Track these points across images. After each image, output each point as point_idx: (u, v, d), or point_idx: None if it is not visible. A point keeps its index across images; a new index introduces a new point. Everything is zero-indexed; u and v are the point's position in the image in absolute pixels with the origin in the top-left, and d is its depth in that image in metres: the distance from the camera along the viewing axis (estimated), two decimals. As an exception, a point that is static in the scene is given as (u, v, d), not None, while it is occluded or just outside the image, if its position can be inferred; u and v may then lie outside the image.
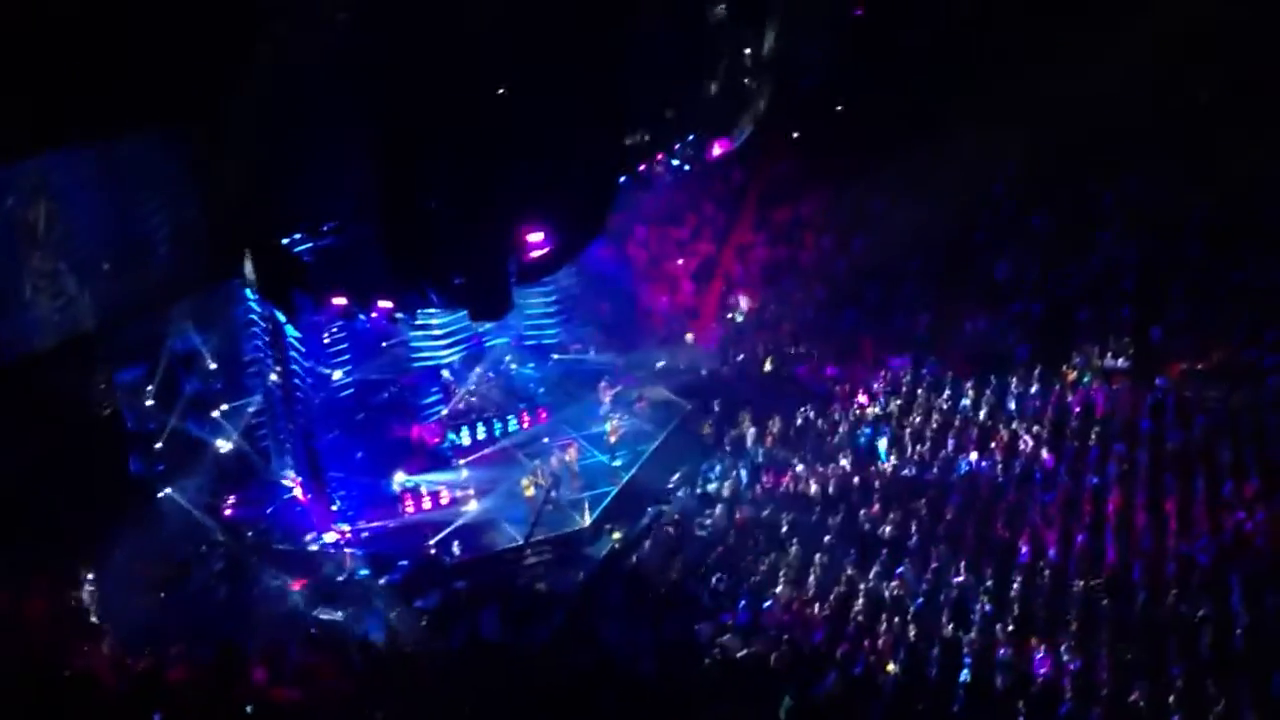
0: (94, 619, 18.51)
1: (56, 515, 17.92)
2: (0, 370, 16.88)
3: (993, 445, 23.11)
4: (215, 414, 24.29)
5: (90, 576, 19.07)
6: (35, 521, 16.96)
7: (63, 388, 19.19)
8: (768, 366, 27.79)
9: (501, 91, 21.96)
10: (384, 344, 25.36)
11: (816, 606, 19.29)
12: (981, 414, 24.31)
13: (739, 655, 18.19)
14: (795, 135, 33.10)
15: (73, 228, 18.34)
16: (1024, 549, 20.03)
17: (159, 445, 22.90)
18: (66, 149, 17.55)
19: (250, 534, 22.94)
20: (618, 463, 24.96)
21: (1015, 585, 19.16)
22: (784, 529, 21.59)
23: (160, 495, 22.51)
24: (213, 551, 22.02)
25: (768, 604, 19.52)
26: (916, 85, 30.34)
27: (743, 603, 19.55)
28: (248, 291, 23.07)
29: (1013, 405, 24.39)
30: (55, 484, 18.10)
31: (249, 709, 14.73)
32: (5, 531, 16.66)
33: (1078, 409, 23.90)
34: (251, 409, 24.80)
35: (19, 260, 17.19)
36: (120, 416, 21.76)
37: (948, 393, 25.20)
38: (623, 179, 27.30)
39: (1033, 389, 24.74)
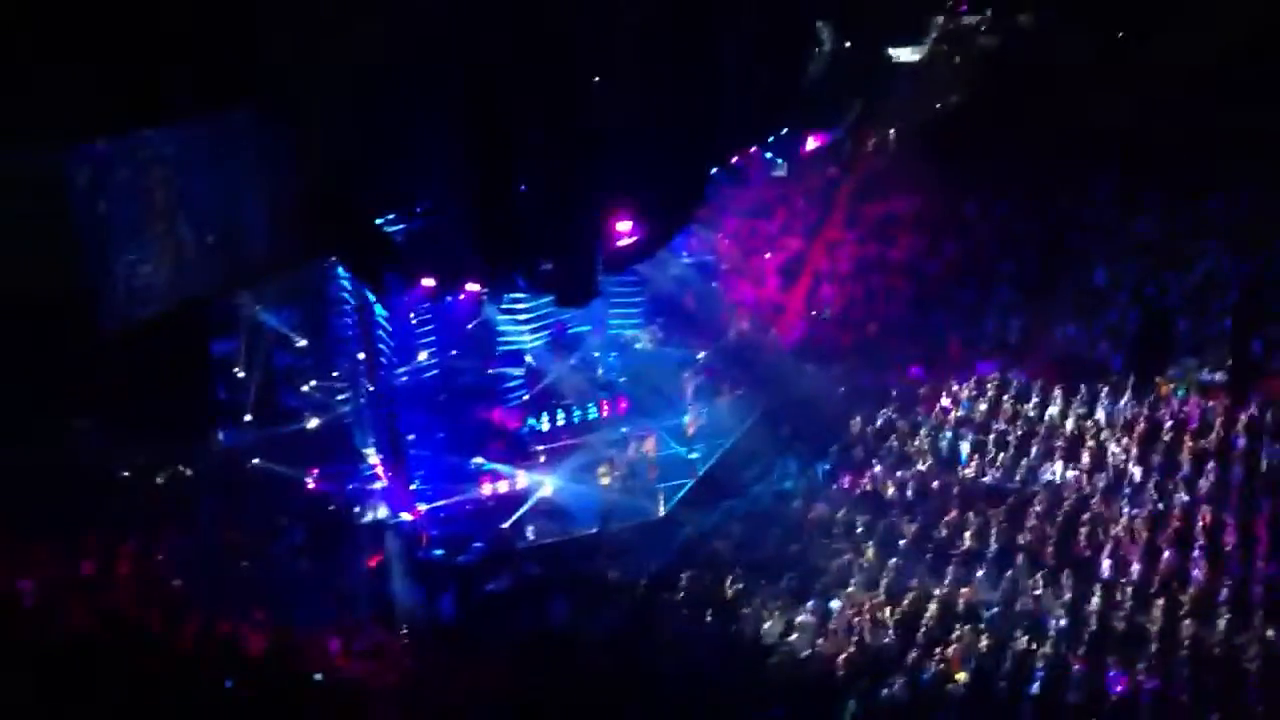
0: (177, 584, 19.05)
1: (148, 481, 18.52)
2: (104, 338, 17.43)
3: (1079, 456, 22.58)
4: (304, 389, 24.88)
5: (176, 543, 19.64)
6: (126, 486, 17.51)
7: (161, 357, 19.76)
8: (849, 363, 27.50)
9: (597, 79, 22.09)
10: (469, 327, 25.61)
11: (887, 610, 19.08)
12: (1069, 423, 23.76)
13: (804, 655, 18.11)
14: (892, 131, 32.65)
15: (179, 201, 18.86)
16: (1106, 563, 19.57)
17: (248, 417, 23.50)
18: (174, 123, 18.02)
19: (331, 508, 23.41)
20: (695, 455, 24.95)
21: (1094, 600, 18.71)
22: (858, 530, 21.39)
23: (248, 466, 23.12)
24: (295, 524, 22.51)
25: (837, 604, 19.38)
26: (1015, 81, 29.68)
27: (811, 602, 19.43)
28: (339, 270, 23.53)
29: (1102, 415, 23.81)
30: (148, 451, 18.72)
31: (318, 677, 15.05)
32: (97, 496, 17.25)
33: (1170, 422, 23.22)
34: (338, 386, 25.32)
35: (130, 231, 17.72)
36: (213, 387, 22.42)
37: (1035, 399, 24.68)
38: (714, 170, 27.27)
39: (1124, 400, 24.10)
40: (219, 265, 20.76)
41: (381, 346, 23.55)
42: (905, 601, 19.16)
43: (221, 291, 21.40)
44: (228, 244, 20.24)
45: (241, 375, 23.52)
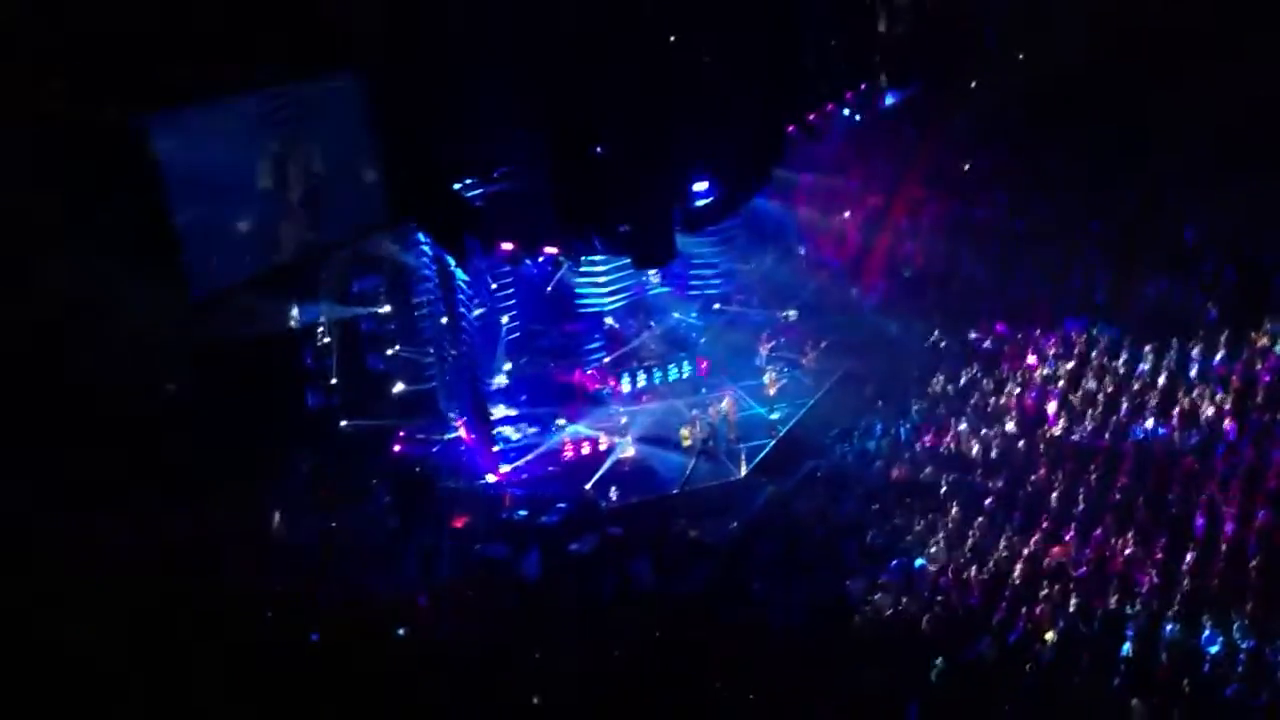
0: (269, 541, 19.54)
1: (240, 441, 18.92)
2: (197, 302, 17.85)
3: (1172, 412, 22.04)
4: (389, 353, 25.27)
5: (268, 500, 20.10)
6: (219, 446, 17.90)
7: (250, 321, 20.20)
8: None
9: (673, 39, 21.95)
10: (549, 289, 25.74)
11: (973, 570, 18.89)
12: (1161, 379, 23.20)
13: (889, 614, 18.03)
14: (973, 85, 31.91)
15: (266, 169, 19.22)
16: (1199, 522, 19.14)
17: (335, 380, 23.94)
18: (262, 88, 18.34)
19: (417, 469, 23.79)
20: (776, 415, 24.89)
21: (1188, 560, 18.32)
22: (943, 489, 21.19)
23: (337, 428, 23.57)
24: (382, 484, 22.92)
25: (921, 564, 19.25)
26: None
27: (896, 562, 19.32)
28: (421, 235, 23.79)
29: (1195, 371, 23.19)
30: (240, 412, 19.11)
31: (401, 631, 15.38)
32: (193, 455, 17.66)
33: (1267, 378, 22.51)
34: (422, 349, 25.68)
35: (216, 196, 18.10)
36: (301, 350, 22.87)
37: (1124, 356, 24.12)
38: (791, 129, 27.00)
39: (1218, 355, 23.42)
40: (302, 231, 21.22)
41: (463, 310, 23.82)
42: (991, 561, 18.97)
43: (307, 257, 21.75)
44: (310, 210, 20.64)
45: (328, 340, 23.89)
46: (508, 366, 25.98)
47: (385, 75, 20.00)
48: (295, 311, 22.44)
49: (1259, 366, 22.84)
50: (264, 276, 19.66)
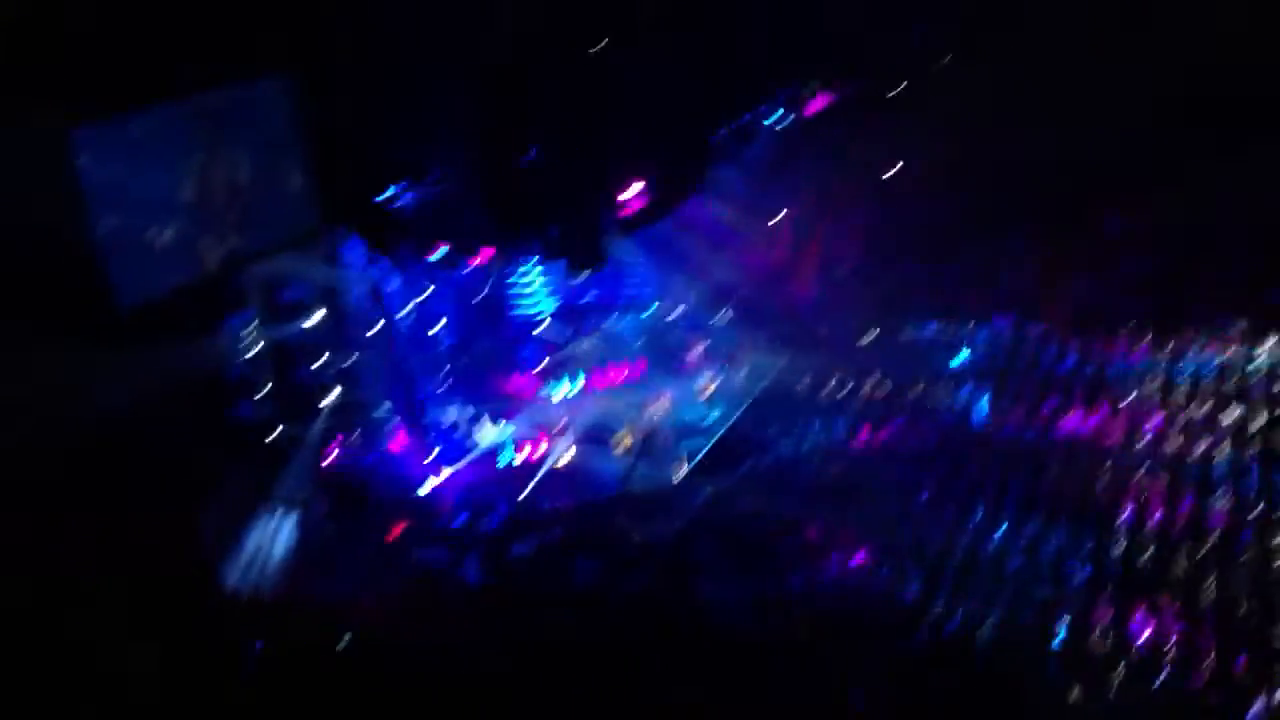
0: (203, 556, 19.19)
1: (169, 456, 18.59)
2: (120, 317, 17.51)
3: (1098, 405, 22.54)
4: (319, 362, 24.89)
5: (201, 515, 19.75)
6: (148, 462, 17.58)
7: (176, 334, 19.84)
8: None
9: (605, 45, 22.04)
10: (482, 295, 25.57)
11: (911, 563, 19.15)
12: (1088, 373, 23.72)
13: (832, 609, 18.19)
14: (900, 88, 32.33)
15: (190, 178, 18.91)
16: (1128, 511, 19.60)
17: (266, 391, 23.55)
18: (187, 96, 18.04)
19: (353, 479, 23.51)
20: (713, 416, 24.98)
21: (1117, 548, 18.74)
22: (881, 484, 21.43)
23: (268, 439, 23.19)
24: (318, 494, 22.61)
25: (861, 559, 19.45)
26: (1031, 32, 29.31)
27: (835, 556, 19.50)
28: (353, 241, 23.55)
29: (1122, 365, 23.74)
30: (168, 426, 18.79)
31: (346, 637, 15.22)
32: (121, 471, 17.32)
33: (1188, 371, 23.14)
34: (355, 358, 25.36)
35: (139, 210, 17.77)
36: (229, 362, 22.49)
37: (1053, 351, 24.62)
38: (723, 132, 27.22)
39: (1142, 349, 24.02)
40: (231, 240, 20.93)
41: (396, 317, 23.62)
42: (928, 554, 19.24)
43: (232, 266, 21.46)
44: (235, 219, 20.37)
45: (257, 350, 23.49)
46: (444, 372, 25.73)
47: (315, 80, 19.80)
48: (224, 322, 22.07)
49: (1180, 361, 23.48)
50: (191, 287, 19.37)
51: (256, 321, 23.31)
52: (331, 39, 19.42)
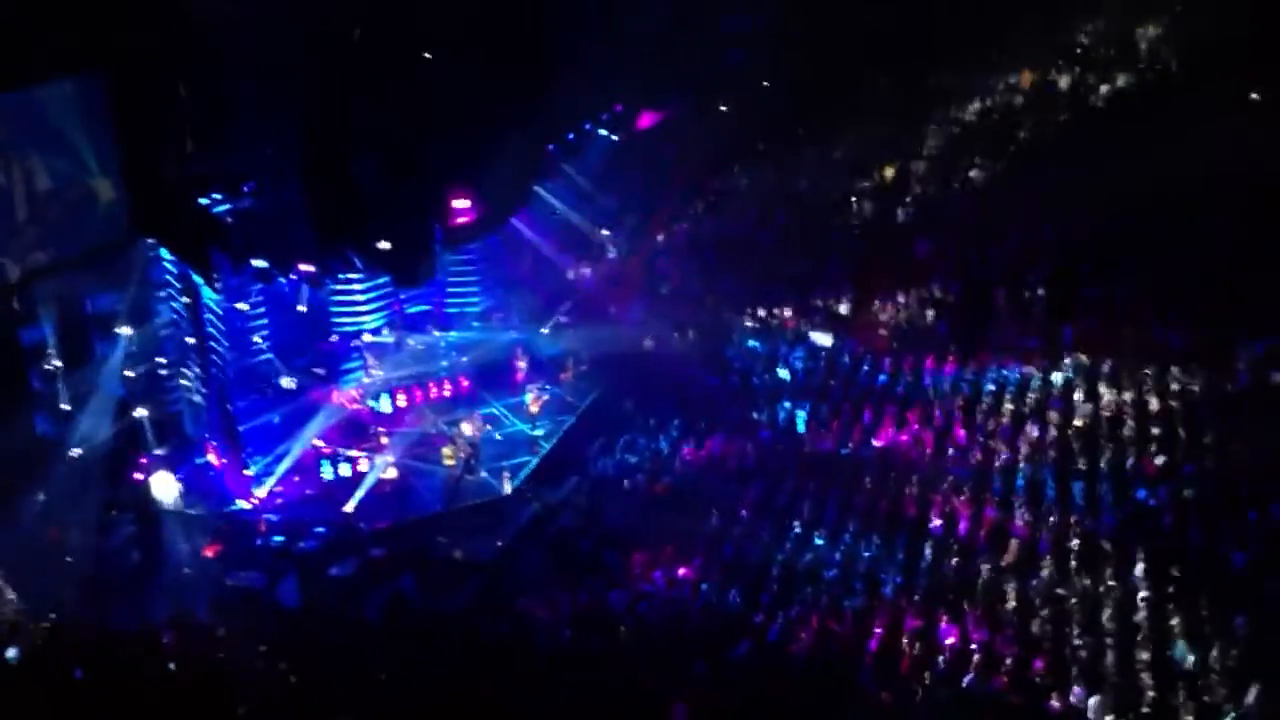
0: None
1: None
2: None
3: (908, 421, 23.51)
4: (128, 375, 23.78)
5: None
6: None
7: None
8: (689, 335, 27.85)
9: (429, 56, 21.78)
10: (303, 308, 24.85)
11: (733, 575, 19.53)
12: (899, 390, 24.72)
13: (653, 622, 18.38)
14: (723, 109, 33.07)
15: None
16: (936, 522, 20.47)
17: (67, 406, 22.39)
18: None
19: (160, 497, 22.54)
20: (539, 432, 24.97)
21: (925, 558, 19.56)
22: (702, 499, 21.80)
23: (69, 457, 22.01)
24: (123, 515, 21.59)
25: (683, 572, 19.73)
26: (846, 60, 30.46)
27: (658, 571, 19.73)
28: (163, 251, 22.63)
29: (929, 382, 24.80)
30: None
31: (156, 670, 14.57)
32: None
33: (992, 387, 24.34)
34: (165, 371, 24.36)
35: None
36: (27, 376, 21.29)
37: (866, 368, 25.57)
38: (550, 147, 27.28)
39: (949, 366, 25.15)
40: (27, 249, 19.83)
41: (212, 330, 22.80)
42: (749, 566, 19.66)
43: (33, 276, 20.40)
44: (36, 227, 19.31)
45: (59, 364, 22.29)
46: (262, 387, 24.88)
47: (122, 85, 18.97)
48: (21, 332, 20.91)
49: (985, 377, 24.67)
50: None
51: (59, 333, 22.16)
52: (140, 43, 18.62)
